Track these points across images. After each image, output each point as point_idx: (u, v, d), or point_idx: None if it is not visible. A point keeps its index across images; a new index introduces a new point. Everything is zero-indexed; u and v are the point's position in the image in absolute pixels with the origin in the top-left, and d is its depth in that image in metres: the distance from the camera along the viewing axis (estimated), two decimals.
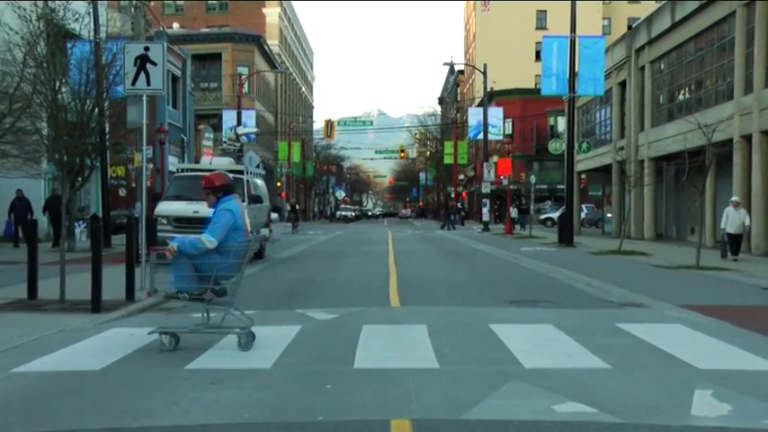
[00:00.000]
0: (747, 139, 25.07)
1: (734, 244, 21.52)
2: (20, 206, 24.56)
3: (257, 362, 7.17)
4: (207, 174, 8.53)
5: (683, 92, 32.03)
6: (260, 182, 23.31)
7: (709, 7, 28.23)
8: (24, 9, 16.01)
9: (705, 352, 7.75)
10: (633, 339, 8.48)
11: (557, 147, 49.04)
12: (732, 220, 21.54)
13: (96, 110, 20.23)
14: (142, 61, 12.91)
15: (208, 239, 7.72)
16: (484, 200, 49.72)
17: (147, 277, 7.93)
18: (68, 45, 20.28)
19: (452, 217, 54.57)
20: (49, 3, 16.47)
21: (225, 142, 44.71)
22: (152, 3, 31.40)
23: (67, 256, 12.19)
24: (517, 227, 45.25)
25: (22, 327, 8.93)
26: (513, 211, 47.98)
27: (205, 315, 8.07)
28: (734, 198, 22.73)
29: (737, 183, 25.68)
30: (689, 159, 20.98)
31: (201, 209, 19.05)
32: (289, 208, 50.30)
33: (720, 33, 28.02)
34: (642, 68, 35.70)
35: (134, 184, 30.44)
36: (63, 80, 19.47)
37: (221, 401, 5.77)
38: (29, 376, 6.67)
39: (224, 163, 23.24)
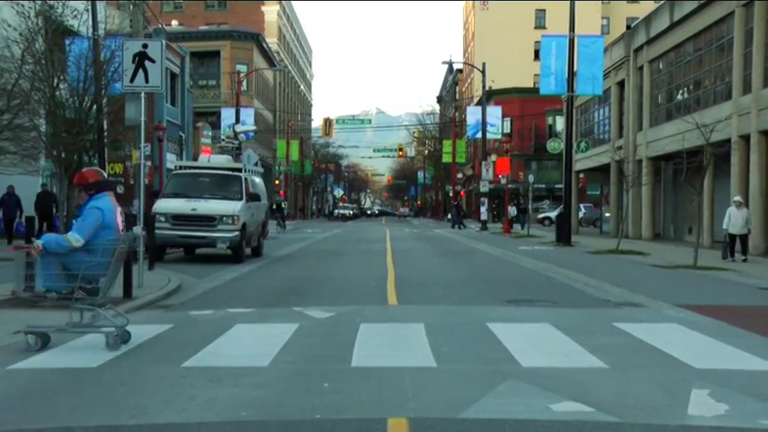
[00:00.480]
0: (745, 139, 25.10)
1: (735, 244, 21.24)
2: (9, 203, 24.41)
3: (254, 360, 7.16)
4: (84, 170, 8.26)
5: (681, 92, 32.05)
6: (258, 180, 23.30)
7: (707, 7, 28.25)
8: (23, 6, 16.02)
9: (702, 352, 7.75)
10: (630, 339, 8.48)
11: (555, 146, 49.04)
12: (734, 220, 21.21)
13: (94, 107, 20.21)
14: (140, 58, 12.89)
15: (74, 238, 7.56)
16: (482, 199, 49.72)
17: (17, 275, 7.72)
18: (67, 42, 20.27)
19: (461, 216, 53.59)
20: (47, 0, 16.47)
21: (223, 140, 44.73)
22: (150, 0, 31.36)
23: None
24: (516, 226, 45.20)
25: (18, 323, 8.90)
26: (512, 210, 47.95)
27: (77, 315, 7.79)
28: (736, 198, 22.32)
29: (735, 183, 25.70)
30: (687, 159, 21.02)
31: (200, 206, 19.10)
32: (274, 206, 48.95)
33: (719, 33, 28.04)
34: (641, 68, 35.72)
35: (132, 182, 30.39)
36: (61, 77, 19.50)
37: (218, 399, 5.77)
38: (25, 373, 6.66)
39: (222, 161, 23.25)
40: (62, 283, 7.63)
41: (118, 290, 11.26)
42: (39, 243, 7.56)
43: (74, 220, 8.07)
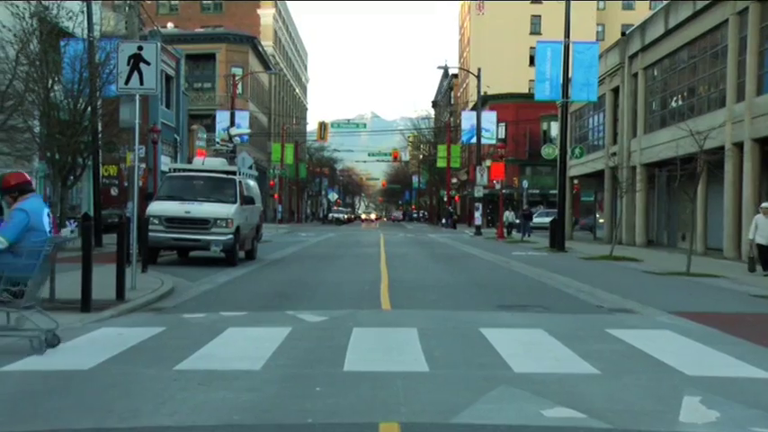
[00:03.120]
0: (739, 146, 25.17)
1: (765, 256, 18.74)
2: None
3: (247, 363, 7.15)
4: (8, 174, 8.19)
5: (675, 99, 32.15)
6: (252, 183, 23.29)
7: (702, 15, 28.35)
8: (18, 6, 15.97)
9: (694, 358, 7.77)
10: (623, 345, 8.49)
11: (549, 152, 49.18)
12: (762, 229, 18.72)
13: (89, 108, 20.19)
14: (135, 60, 12.89)
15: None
16: (476, 204, 49.76)
17: None
18: (62, 43, 20.23)
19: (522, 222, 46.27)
20: (43, 1, 16.44)
21: (218, 143, 44.71)
22: (146, 2, 31.34)
23: (58, 254, 12.12)
24: (514, 232, 44.49)
25: None
26: (511, 216, 47.58)
27: (4, 317, 7.69)
28: (764, 204, 19.67)
29: (729, 190, 25.78)
30: (681, 166, 21.04)
31: (193, 209, 19.07)
32: None
33: (713, 41, 28.15)
34: (635, 75, 35.82)
35: (126, 184, 30.36)
36: (56, 78, 19.47)
37: (210, 402, 5.75)
38: (16, 375, 6.64)
39: (217, 163, 23.21)
40: None
41: (110, 292, 11.28)
42: None
43: None
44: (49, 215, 7.96)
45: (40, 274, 7.75)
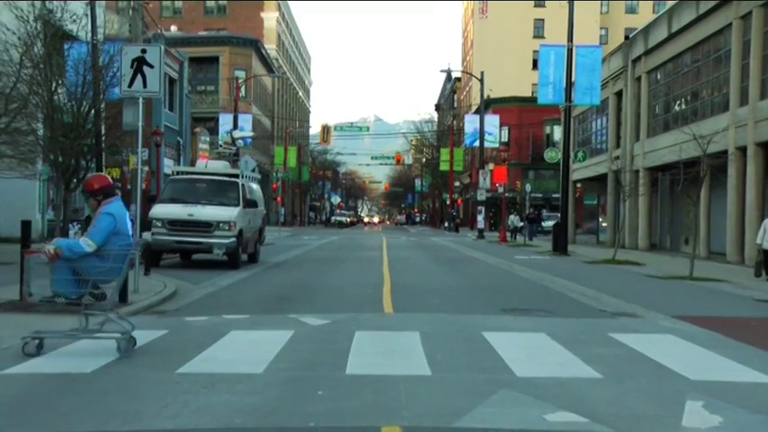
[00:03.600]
0: (742, 150, 25.15)
1: None
2: None
3: (249, 366, 7.15)
4: (92, 176, 8.32)
5: (678, 102, 32.13)
6: (255, 186, 23.31)
7: (705, 19, 28.34)
8: (22, 10, 16.00)
9: (697, 363, 7.76)
10: (625, 349, 8.48)
11: (552, 155, 49.01)
12: None
13: (92, 111, 20.20)
14: (139, 63, 12.91)
15: (87, 243, 7.59)
16: (479, 207, 49.74)
17: (25, 280, 7.71)
18: (65, 46, 20.28)
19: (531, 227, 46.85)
20: (47, 3, 16.47)
21: (221, 146, 44.69)
22: (150, 5, 31.37)
23: None
24: (519, 237, 44.37)
25: (12, 328, 8.88)
26: (516, 219, 47.44)
27: (83, 320, 7.77)
28: None
29: (732, 194, 25.76)
30: (684, 170, 21.04)
31: (196, 212, 19.09)
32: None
33: (717, 45, 28.14)
34: (638, 78, 35.81)
35: (129, 187, 30.38)
36: (59, 81, 19.51)
37: (212, 406, 5.75)
38: (18, 378, 6.64)
39: (220, 166, 23.24)
40: (71, 288, 7.64)
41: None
42: (51, 248, 7.56)
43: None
44: (131, 219, 8.04)
45: (122, 276, 7.88)
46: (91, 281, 7.58)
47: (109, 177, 8.28)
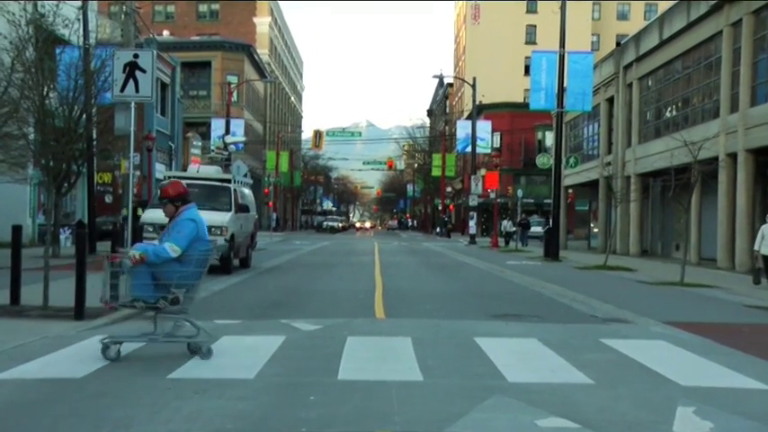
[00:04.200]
0: (733, 157, 25.27)
1: None
2: None
3: (240, 372, 7.13)
4: (166, 183, 8.40)
5: (669, 109, 32.28)
6: (247, 191, 23.27)
7: (696, 26, 28.50)
8: (14, 14, 15.93)
9: (688, 369, 7.78)
10: (617, 355, 8.50)
11: (544, 161, 49.32)
12: None
13: (84, 116, 20.17)
14: (131, 68, 12.91)
15: (173, 249, 7.67)
16: (471, 213, 49.80)
17: (105, 285, 7.78)
18: (57, 51, 20.22)
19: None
20: (39, 8, 16.41)
21: (213, 150, 44.67)
22: (142, 10, 31.35)
23: (52, 262, 12.12)
24: (512, 243, 44.40)
25: (3, 333, 8.85)
26: (508, 225, 47.49)
27: (156, 324, 7.93)
28: None
29: (722, 201, 25.87)
30: (675, 176, 21.11)
31: None
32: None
33: (707, 52, 28.29)
34: (630, 85, 35.96)
35: (121, 191, 30.32)
36: (51, 86, 19.43)
37: (203, 411, 5.74)
38: (8, 384, 6.60)
39: (211, 171, 23.19)
40: (150, 293, 7.73)
41: None
42: (136, 253, 7.62)
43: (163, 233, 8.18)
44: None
45: (200, 281, 8.03)
46: (173, 285, 7.70)
47: (184, 185, 8.40)
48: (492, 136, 61.91)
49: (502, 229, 47.19)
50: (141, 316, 11.09)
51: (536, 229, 49.62)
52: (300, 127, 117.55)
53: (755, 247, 18.76)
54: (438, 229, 54.18)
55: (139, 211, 24.27)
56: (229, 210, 19.65)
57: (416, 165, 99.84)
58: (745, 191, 24.61)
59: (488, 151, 58.75)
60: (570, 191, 46.70)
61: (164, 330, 7.93)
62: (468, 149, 53.73)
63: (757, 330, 11.42)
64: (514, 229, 46.20)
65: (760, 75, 24.52)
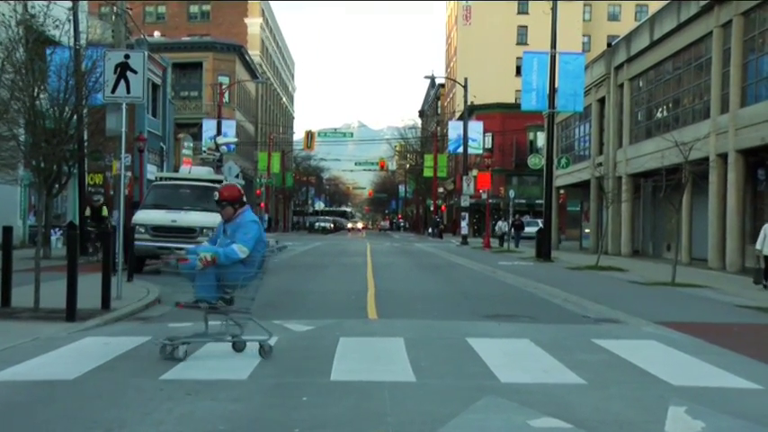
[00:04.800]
0: (723, 157, 25.37)
1: None
2: None
3: (233, 373, 7.13)
4: (223, 186, 8.56)
5: (660, 110, 32.38)
6: None
7: (686, 27, 28.60)
8: (3, 15, 15.86)
9: (680, 369, 7.81)
10: (609, 355, 8.52)
11: (536, 162, 49.43)
12: None
13: (75, 117, 20.07)
14: (122, 69, 12.86)
15: (241, 250, 7.82)
16: (463, 213, 49.82)
17: (178, 289, 7.94)
18: (48, 51, 20.13)
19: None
20: (29, 9, 16.34)
21: (204, 151, 44.60)
22: (133, 10, 31.28)
23: (43, 263, 12.07)
24: (506, 244, 44.35)
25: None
26: (503, 226, 47.51)
27: (203, 324, 8.11)
28: None
29: (713, 201, 25.96)
30: (666, 177, 21.19)
31: (180, 218, 19.00)
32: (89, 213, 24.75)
33: (698, 53, 28.39)
34: (621, 86, 36.06)
35: (112, 193, 30.22)
36: (42, 87, 19.31)
37: (196, 413, 5.73)
38: (0, 386, 6.58)
39: (203, 172, 23.16)
40: (212, 294, 7.87)
41: (96, 301, 11.22)
42: (208, 254, 7.71)
43: (220, 235, 8.28)
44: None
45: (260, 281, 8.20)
46: (237, 285, 7.88)
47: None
48: (483, 137, 61.92)
49: (497, 229, 47.21)
50: (131, 317, 11.10)
51: (530, 230, 49.65)
52: (292, 128, 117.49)
53: (758, 246, 18.42)
54: (430, 230, 54.19)
55: (104, 210, 23.93)
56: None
57: (408, 165, 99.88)
58: (735, 191, 24.71)
59: (480, 152, 58.79)
60: (562, 191, 46.79)
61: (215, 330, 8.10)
62: (460, 150, 53.75)
63: (748, 330, 11.47)
64: (507, 229, 46.25)
65: (750, 75, 24.63)
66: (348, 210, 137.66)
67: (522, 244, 43.40)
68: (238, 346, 8.09)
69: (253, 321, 8.06)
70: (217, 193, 8.29)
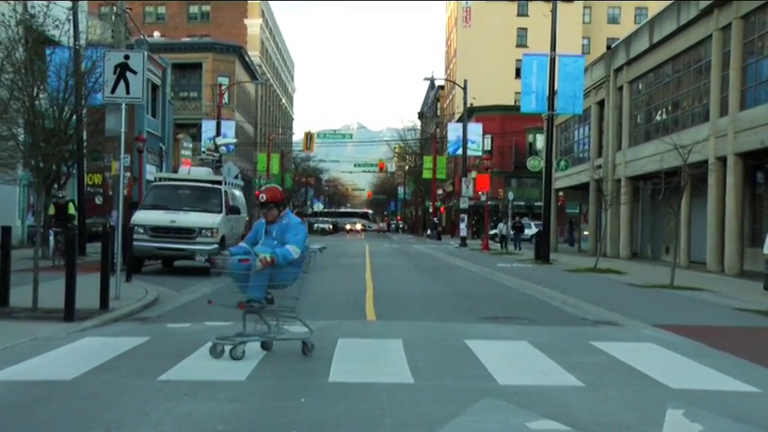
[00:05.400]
0: (722, 160, 25.38)
1: None
2: None
3: (231, 374, 7.12)
4: (268, 188, 8.62)
5: (660, 112, 32.39)
6: (238, 193, 23.25)
7: (686, 30, 28.61)
8: (3, 14, 15.86)
9: (678, 371, 7.81)
10: (607, 358, 8.52)
11: (535, 164, 49.36)
12: None
13: (74, 117, 20.07)
14: (122, 69, 12.86)
15: (295, 251, 7.99)
16: (461, 215, 49.80)
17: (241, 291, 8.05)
18: (47, 51, 20.13)
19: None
20: (29, 9, 16.34)
21: (203, 152, 44.54)
22: (133, 10, 31.28)
23: (41, 263, 12.07)
24: (505, 246, 44.35)
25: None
26: (504, 228, 47.48)
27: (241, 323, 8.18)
28: None
29: (712, 204, 25.96)
30: (665, 179, 21.18)
31: (179, 218, 19.01)
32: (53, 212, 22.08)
33: (697, 56, 28.41)
34: (620, 88, 36.07)
35: (111, 193, 30.21)
36: (41, 87, 19.30)
37: (194, 413, 5.73)
38: None
39: (202, 173, 23.15)
40: (261, 293, 8.00)
41: (94, 301, 11.21)
42: (267, 255, 7.80)
43: (262, 236, 8.34)
44: None
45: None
46: (288, 285, 8.06)
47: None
48: (483, 138, 61.90)
49: (498, 231, 47.15)
50: (129, 318, 11.09)
51: (530, 232, 49.64)
52: (291, 129, 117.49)
53: (765, 251, 17.69)
54: (429, 232, 54.15)
55: (71, 208, 22.73)
56: (220, 211, 19.63)
57: (407, 167, 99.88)
58: (734, 194, 24.71)
59: (479, 154, 58.77)
60: (561, 194, 46.78)
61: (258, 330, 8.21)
62: (459, 152, 53.76)
63: (747, 333, 11.47)
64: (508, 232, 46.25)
65: (749, 78, 24.64)
66: (369, 212, 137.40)
67: (523, 246, 43.39)
68: (267, 345, 8.25)
69: (299, 321, 8.23)
70: (263, 195, 8.35)
